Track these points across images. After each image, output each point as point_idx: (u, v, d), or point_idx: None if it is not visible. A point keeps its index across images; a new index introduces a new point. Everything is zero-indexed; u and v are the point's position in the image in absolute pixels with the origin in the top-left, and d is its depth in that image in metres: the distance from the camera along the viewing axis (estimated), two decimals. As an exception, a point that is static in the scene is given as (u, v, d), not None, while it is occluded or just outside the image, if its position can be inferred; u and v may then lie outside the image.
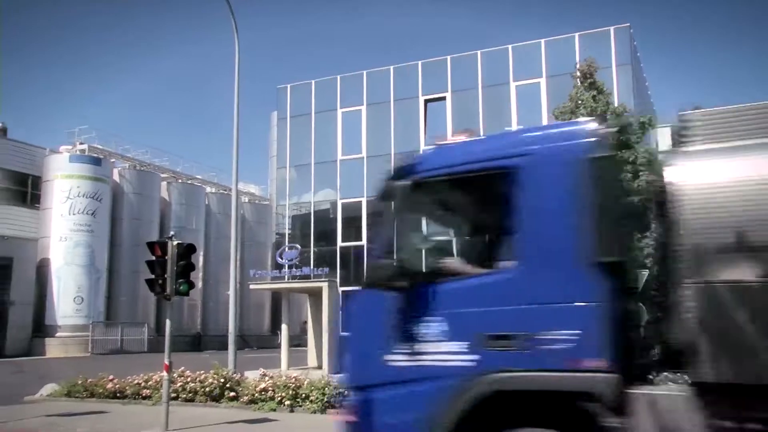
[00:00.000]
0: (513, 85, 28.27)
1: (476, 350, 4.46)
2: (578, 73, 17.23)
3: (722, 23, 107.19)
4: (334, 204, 30.23)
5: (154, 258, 10.86)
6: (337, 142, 30.58)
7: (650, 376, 4.45)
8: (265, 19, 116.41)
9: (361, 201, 29.11)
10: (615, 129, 5.07)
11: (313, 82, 31.95)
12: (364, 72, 30.85)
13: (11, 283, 30.08)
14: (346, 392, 5.17)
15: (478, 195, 5.19)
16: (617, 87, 24.46)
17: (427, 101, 29.44)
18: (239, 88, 16.84)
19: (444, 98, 29.13)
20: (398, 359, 4.69)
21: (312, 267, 28.21)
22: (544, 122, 22.30)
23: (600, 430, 4.12)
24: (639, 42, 37.00)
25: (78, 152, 34.19)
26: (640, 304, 5.24)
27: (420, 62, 30.08)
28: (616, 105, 17.30)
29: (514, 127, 24.77)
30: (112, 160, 36.25)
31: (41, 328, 31.16)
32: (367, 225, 28.63)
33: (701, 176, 4.27)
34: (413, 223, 5.29)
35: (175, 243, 10.93)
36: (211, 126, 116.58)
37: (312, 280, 27.52)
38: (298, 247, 29.07)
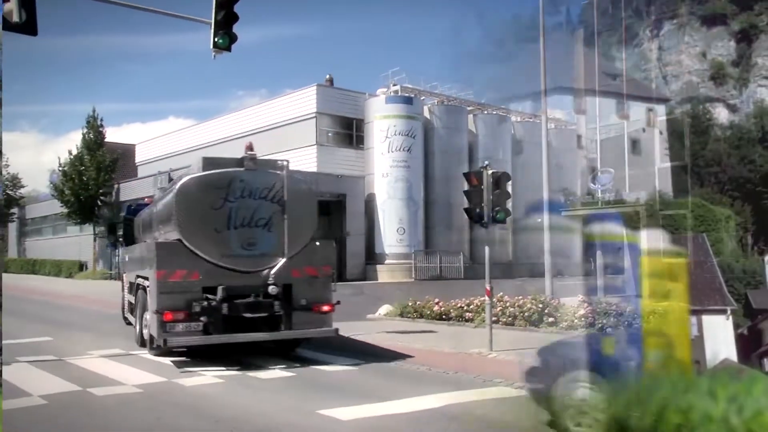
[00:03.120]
0: None
1: (131, 266, 14.78)
2: None
3: None
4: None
5: (470, 188, 11.16)
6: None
7: None
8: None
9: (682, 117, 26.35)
10: None
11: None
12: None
13: (346, 217, 34.05)
14: None
15: (131, 222, 16.54)
16: None
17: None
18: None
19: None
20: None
21: (627, 191, 26.60)
22: None
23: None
24: None
25: (392, 93, 36.69)
26: None
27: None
28: None
29: None
30: (422, 98, 38.10)
31: (372, 255, 34.74)
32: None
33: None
34: (126, 229, 17.11)
35: (489, 172, 11.08)
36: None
37: (628, 205, 26.09)
38: (612, 171, 27.61)
